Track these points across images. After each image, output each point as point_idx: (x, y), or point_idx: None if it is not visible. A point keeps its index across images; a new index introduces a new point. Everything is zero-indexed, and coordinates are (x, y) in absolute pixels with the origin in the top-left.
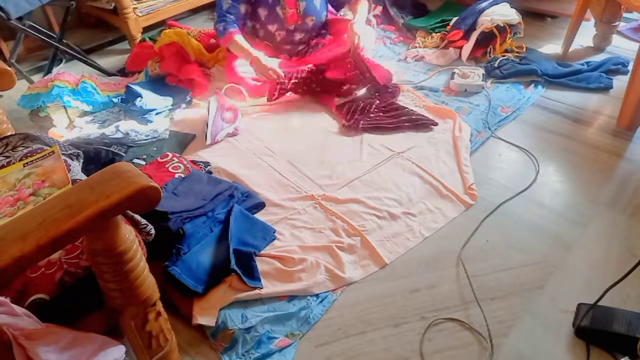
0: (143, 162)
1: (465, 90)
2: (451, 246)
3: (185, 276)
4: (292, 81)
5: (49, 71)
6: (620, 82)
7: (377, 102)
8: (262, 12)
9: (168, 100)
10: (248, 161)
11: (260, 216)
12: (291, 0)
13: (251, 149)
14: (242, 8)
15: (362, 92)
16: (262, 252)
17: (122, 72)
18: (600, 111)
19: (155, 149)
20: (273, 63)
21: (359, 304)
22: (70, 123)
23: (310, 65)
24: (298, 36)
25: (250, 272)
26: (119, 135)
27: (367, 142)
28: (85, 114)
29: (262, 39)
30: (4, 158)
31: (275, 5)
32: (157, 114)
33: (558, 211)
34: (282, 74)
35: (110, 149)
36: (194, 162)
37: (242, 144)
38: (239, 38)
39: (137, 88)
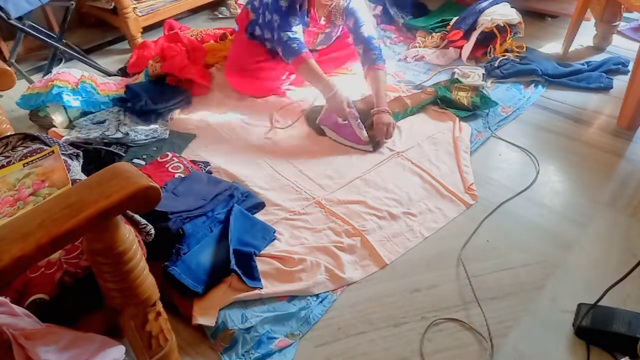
0: (143, 162)
1: None
2: (451, 246)
3: (185, 276)
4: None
5: (49, 71)
6: (620, 82)
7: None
8: None
9: (168, 101)
10: (248, 161)
11: (260, 216)
12: (313, 33)
13: (251, 148)
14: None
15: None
16: (262, 252)
17: (123, 71)
18: (600, 111)
19: (155, 149)
20: (346, 99)
21: (359, 304)
22: (70, 123)
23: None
24: None
25: (250, 272)
26: (119, 135)
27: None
28: (85, 114)
29: (264, 45)
30: (3, 158)
31: None
32: (157, 114)
33: (558, 211)
34: (354, 111)
35: (110, 149)
36: (193, 162)
37: (242, 144)
38: (313, 62)
39: (137, 88)
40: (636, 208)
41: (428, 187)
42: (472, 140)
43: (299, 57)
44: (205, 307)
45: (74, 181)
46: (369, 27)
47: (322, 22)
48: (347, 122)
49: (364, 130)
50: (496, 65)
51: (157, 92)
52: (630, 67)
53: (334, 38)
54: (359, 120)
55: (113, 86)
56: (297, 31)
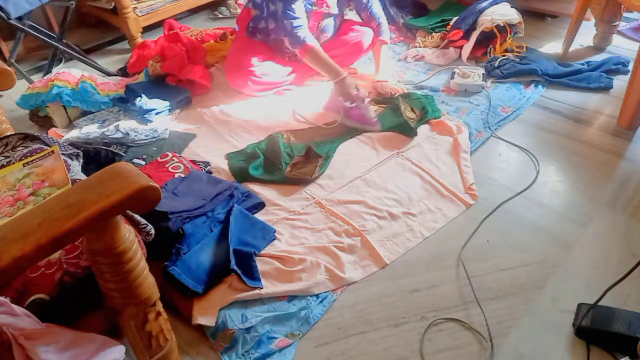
0: (143, 162)
1: (466, 90)
2: (451, 246)
3: (185, 276)
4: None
5: (49, 71)
6: (620, 82)
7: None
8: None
9: (168, 100)
10: None
11: (260, 216)
12: (319, 15)
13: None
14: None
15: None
16: (262, 252)
17: (123, 71)
18: (600, 111)
19: (155, 148)
20: (354, 82)
21: (359, 304)
22: (70, 123)
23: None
24: None
25: (250, 272)
26: (119, 135)
27: (367, 142)
28: (85, 113)
29: (267, 40)
30: (3, 158)
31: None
32: (157, 114)
33: (558, 211)
34: (361, 94)
35: (110, 149)
36: (193, 162)
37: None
38: (319, 49)
39: (137, 88)
40: (636, 208)
41: (428, 187)
42: (472, 140)
43: (305, 46)
44: (205, 307)
45: (74, 181)
46: (377, 5)
47: (330, 1)
48: (354, 104)
49: (372, 111)
50: (496, 65)
51: (157, 92)
52: (630, 67)
53: (337, 25)
54: (367, 102)
55: (113, 86)
56: (301, 17)
